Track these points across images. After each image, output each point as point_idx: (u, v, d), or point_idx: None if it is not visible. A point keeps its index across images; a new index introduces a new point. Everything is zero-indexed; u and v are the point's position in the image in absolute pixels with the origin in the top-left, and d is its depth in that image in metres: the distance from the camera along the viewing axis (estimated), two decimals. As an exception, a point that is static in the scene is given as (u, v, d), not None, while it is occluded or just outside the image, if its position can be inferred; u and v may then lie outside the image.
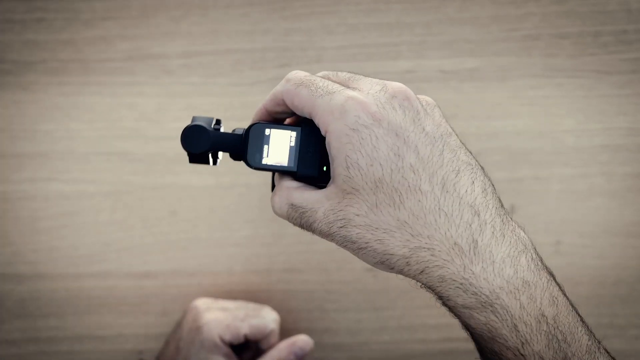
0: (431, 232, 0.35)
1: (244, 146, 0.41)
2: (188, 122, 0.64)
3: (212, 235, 0.64)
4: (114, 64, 0.63)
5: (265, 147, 0.41)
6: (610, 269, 0.64)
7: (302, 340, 0.59)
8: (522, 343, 0.34)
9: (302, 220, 0.39)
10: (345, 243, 0.37)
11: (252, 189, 0.64)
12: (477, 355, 0.39)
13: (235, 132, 0.43)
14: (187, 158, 0.44)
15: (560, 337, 0.34)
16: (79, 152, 0.63)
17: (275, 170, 0.41)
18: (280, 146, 0.41)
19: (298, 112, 0.39)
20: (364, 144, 0.35)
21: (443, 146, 0.37)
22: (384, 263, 0.36)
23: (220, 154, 0.45)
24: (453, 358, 0.64)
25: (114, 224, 0.64)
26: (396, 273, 0.37)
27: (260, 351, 0.60)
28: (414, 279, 0.36)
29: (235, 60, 0.63)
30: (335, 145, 0.36)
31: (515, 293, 0.34)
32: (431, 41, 0.63)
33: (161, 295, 0.64)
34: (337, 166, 0.36)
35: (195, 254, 0.64)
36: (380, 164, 0.35)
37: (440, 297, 0.36)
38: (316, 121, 0.38)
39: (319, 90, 0.38)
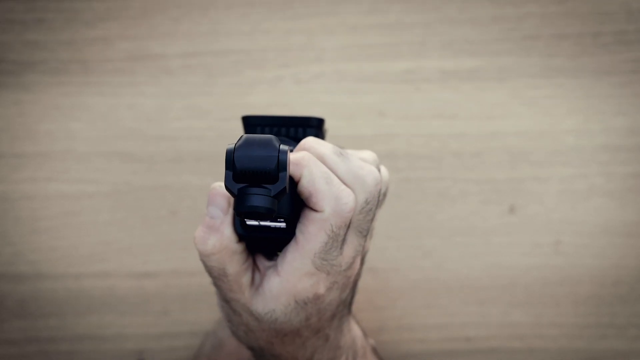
0: None
1: None
2: (188, 122, 0.65)
3: (212, 235, 0.64)
4: (114, 64, 0.63)
5: None
6: (610, 269, 0.64)
7: None
8: None
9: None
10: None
11: (252, 189, 0.64)
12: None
13: None
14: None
15: None
16: (79, 152, 0.63)
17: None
18: None
19: (301, 218, 0.37)
20: (286, 313, 0.39)
21: None
22: None
23: None
24: (453, 358, 0.64)
25: (114, 224, 0.64)
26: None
27: None
28: None
29: (235, 60, 0.63)
30: (275, 291, 0.38)
31: None
32: (431, 41, 0.63)
33: (161, 295, 0.64)
34: (261, 301, 0.39)
35: (196, 254, 0.64)
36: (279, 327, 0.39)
37: None
38: (287, 255, 0.37)
39: (334, 253, 0.37)
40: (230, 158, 0.31)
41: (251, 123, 0.42)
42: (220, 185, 0.36)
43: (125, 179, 0.64)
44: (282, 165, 0.31)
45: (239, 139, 0.32)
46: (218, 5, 0.63)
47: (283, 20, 0.63)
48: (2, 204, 0.63)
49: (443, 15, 0.63)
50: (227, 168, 0.31)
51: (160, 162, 0.63)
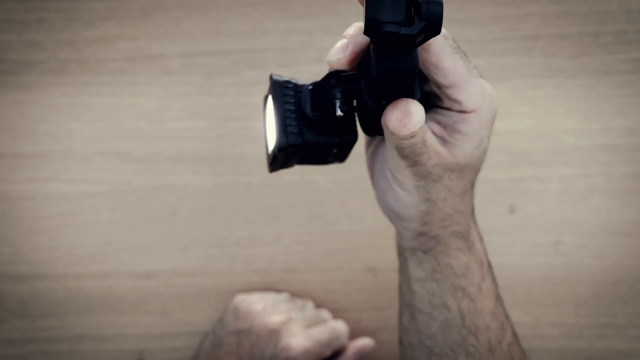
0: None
1: None
2: (188, 122, 0.65)
3: (212, 235, 0.64)
4: (114, 64, 0.63)
5: None
6: (610, 269, 0.64)
7: (368, 346, 0.63)
8: (483, 278, 0.47)
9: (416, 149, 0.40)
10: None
11: (252, 189, 0.64)
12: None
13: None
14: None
15: (493, 275, 0.48)
16: (79, 152, 0.63)
17: None
18: None
19: (435, 74, 0.40)
20: (489, 133, 0.42)
21: None
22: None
23: None
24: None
25: (114, 224, 0.64)
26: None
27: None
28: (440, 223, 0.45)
29: (235, 60, 0.63)
30: (476, 126, 0.41)
31: (480, 243, 0.47)
32: (431, 41, 0.63)
33: (161, 295, 0.64)
34: (469, 142, 0.41)
35: (195, 254, 0.64)
36: (483, 156, 0.44)
37: (438, 243, 0.45)
38: (461, 96, 0.40)
39: (472, 68, 0.41)
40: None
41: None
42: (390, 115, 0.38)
43: (125, 179, 0.64)
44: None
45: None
46: (218, 5, 0.63)
47: (283, 20, 0.63)
48: (2, 204, 0.63)
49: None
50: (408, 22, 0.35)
51: (160, 162, 0.64)
